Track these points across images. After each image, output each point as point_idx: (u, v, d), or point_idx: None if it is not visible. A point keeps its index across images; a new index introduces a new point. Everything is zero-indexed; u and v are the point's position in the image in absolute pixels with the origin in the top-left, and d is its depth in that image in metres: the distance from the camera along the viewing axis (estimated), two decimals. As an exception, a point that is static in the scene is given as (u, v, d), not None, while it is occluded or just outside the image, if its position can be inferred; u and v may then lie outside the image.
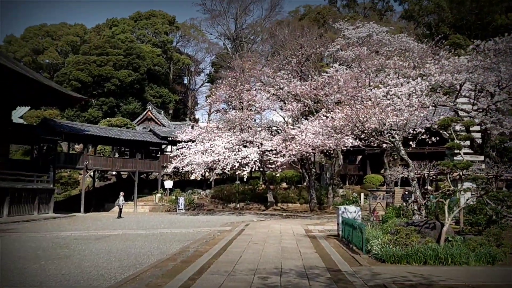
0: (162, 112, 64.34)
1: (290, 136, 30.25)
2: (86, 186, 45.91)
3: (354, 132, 26.05)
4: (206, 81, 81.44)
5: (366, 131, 20.03)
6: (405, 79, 25.34)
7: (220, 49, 77.89)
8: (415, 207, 15.84)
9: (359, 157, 53.16)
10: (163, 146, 49.59)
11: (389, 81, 26.64)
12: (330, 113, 25.85)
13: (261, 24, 68.33)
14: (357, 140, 25.85)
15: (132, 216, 34.99)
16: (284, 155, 29.04)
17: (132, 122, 58.34)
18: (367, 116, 18.24)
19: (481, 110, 24.50)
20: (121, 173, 47.69)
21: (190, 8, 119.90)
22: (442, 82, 22.28)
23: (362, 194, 41.39)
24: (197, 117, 79.47)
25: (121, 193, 34.28)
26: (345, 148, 28.49)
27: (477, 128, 25.20)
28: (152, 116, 60.10)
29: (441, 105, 24.60)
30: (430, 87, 23.20)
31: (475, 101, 24.49)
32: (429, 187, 43.02)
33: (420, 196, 16.52)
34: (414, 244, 11.62)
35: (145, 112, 61.01)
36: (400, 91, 23.94)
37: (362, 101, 25.86)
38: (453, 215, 12.67)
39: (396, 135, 18.38)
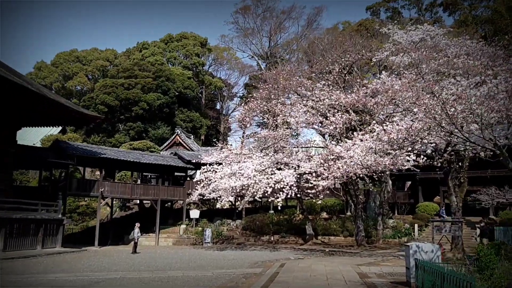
0: (192, 136, 60.32)
1: (332, 156, 25.17)
2: (105, 216, 41.87)
3: (416, 147, 20.94)
4: (240, 104, 77.45)
5: (455, 133, 14.67)
6: (479, 79, 20.15)
7: (253, 70, 73.99)
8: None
9: (408, 183, 47.61)
10: (192, 172, 45.24)
11: (457, 84, 21.43)
12: (385, 125, 20.78)
13: (298, 41, 64.07)
14: (422, 157, 20.69)
15: (151, 251, 30.41)
16: (326, 178, 23.95)
17: (160, 147, 54.52)
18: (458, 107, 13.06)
19: None
20: (144, 201, 43.40)
21: (222, 27, 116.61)
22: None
23: (416, 225, 35.68)
24: (230, 143, 75.32)
25: (136, 224, 29.79)
26: (402, 169, 23.21)
27: None
28: (181, 141, 56.08)
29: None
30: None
31: None
32: (494, 217, 36.99)
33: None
34: None
35: (173, 136, 57.06)
36: (475, 94, 18.73)
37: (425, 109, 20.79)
38: None
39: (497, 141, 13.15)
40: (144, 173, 47.37)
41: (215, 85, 75.49)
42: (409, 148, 20.67)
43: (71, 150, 33.10)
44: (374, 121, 23.71)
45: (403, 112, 21.67)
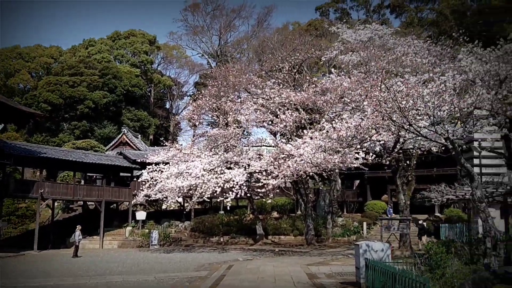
0: (140, 136, 58.56)
1: (283, 155, 24.74)
2: (47, 219, 39.86)
3: (365, 145, 20.78)
4: (189, 102, 76.13)
5: (406, 126, 14.22)
6: (428, 77, 20.14)
7: (204, 69, 72.89)
8: (488, 244, 10.39)
9: (357, 181, 48.02)
10: (138, 172, 43.73)
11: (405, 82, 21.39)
12: (334, 122, 20.47)
13: (248, 40, 63.61)
14: (371, 154, 20.57)
15: (94, 254, 29.03)
16: (277, 176, 23.48)
17: (106, 147, 52.65)
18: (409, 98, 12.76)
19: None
20: (88, 203, 41.59)
21: (171, 25, 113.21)
22: (485, 74, 16.97)
23: (365, 224, 35.92)
24: (180, 143, 73.65)
25: (77, 226, 28.34)
26: (352, 167, 23.06)
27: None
28: (128, 140, 54.28)
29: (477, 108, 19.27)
30: (465, 81, 17.93)
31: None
32: (439, 215, 37.75)
33: (494, 226, 10.95)
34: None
35: (120, 136, 55.15)
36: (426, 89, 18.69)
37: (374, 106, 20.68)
38: None
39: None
40: (88, 174, 45.46)
41: (164, 84, 73.83)
42: (358, 146, 20.48)
43: (8, 149, 31.16)
44: (323, 119, 23.42)
45: (352, 110, 21.44)
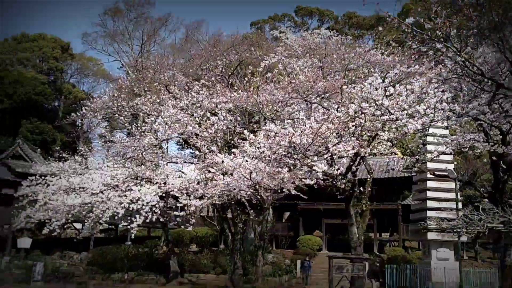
0: (39, 150, 50.08)
1: (211, 171, 18.70)
2: None
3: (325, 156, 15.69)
4: (103, 118, 68.26)
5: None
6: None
7: (122, 81, 65.66)
8: None
9: (287, 214, 43.42)
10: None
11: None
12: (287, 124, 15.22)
13: (175, 53, 57.50)
14: (336, 167, 15.43)
15: None
16: (201, 197, 17.66)
17: (-5, 159, 43.90)
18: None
19: None
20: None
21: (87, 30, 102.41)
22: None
23: (298, 262, 30.78)
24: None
25: None
26: (286, 195, 17.61)
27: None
28: (22, 153, 45.75)
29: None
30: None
31: None
32: (379, 254, 33.62)
33: None
34: None
35: (13, 147, 46.44)
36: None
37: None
38: None
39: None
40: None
41: (75, 96, 65.61)
42: (315, 158, 15.34)
43: None
44: (265, 126, 18.08)
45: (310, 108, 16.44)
